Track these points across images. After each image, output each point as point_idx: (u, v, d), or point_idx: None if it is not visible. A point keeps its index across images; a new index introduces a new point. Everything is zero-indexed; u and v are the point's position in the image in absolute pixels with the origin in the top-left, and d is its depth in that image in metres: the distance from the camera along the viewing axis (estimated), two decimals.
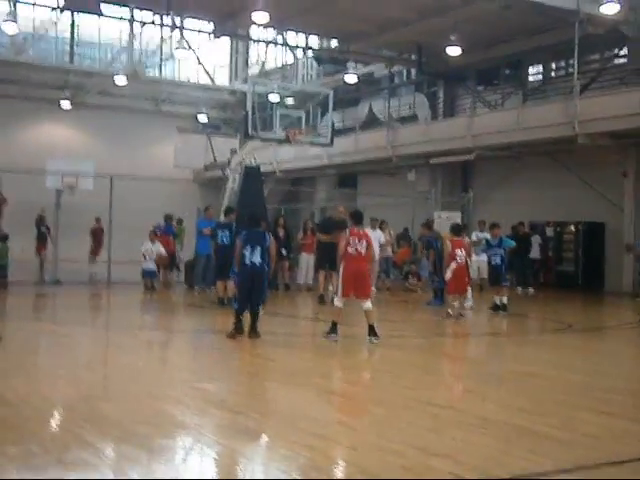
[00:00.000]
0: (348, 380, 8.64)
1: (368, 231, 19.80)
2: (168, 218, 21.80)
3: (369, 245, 10.86)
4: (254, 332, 10.80)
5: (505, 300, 15.60)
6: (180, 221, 22.36)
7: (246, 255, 10.80)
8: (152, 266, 19.88)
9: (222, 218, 18.02)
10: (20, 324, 13.06)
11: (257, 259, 10.81)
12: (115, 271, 21.49)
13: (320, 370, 9.37)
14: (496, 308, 15.61)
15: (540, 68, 27.29)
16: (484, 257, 17.08)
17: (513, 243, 16.52)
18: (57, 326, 12.99)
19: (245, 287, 10.97)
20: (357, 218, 11.27)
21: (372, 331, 10.69)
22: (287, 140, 19.86)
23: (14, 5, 27.42)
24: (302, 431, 5.88)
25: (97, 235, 25.98)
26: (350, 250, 10.76)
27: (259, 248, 10.83)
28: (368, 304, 10.80)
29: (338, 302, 10.90)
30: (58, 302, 17.76)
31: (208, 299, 17.08)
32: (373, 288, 20.23)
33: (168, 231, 21.33)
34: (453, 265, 14.33)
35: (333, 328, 10.75)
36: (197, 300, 17.47)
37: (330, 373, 9.32)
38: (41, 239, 25.81)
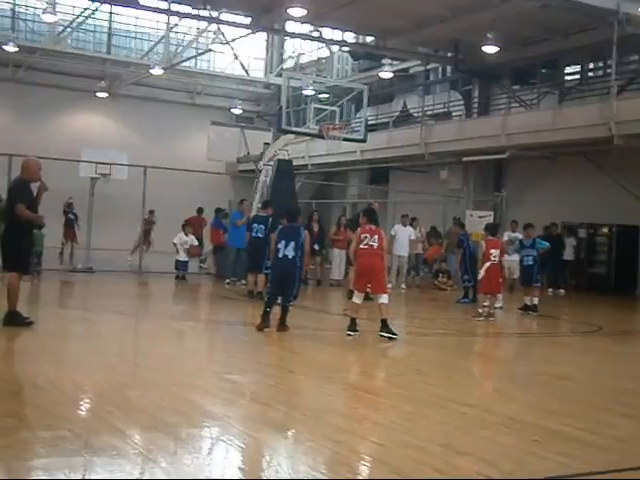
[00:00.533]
0: (375, 376, 8.66)
1: (399, 227, 20.12)
2: (218, 211, 21.89)
3: (381, 239, 10.84)
4: (283, 325, 10.88)
5: (536, 301, 15.53)
6: (225, 215, 22.43)
7: (280, 249, 10.91)
8: (185, 257, 20.06)
9: (254, 211, 18.17)
10: (52, 310, 13.27)
11: (290, 253, 10.91)
12: (148, 261, 21.68)
13: (347, 365, 9.42)
14: (526, 309, 15.55)
15: (577, 68, 27.02)
16: (515, 257, 17.02)
17: (547, 245, 16.40)
18: (88, 313, 13.14)
19: (277, 280, 11.07)
20: (371, 216, 11.23)
21: (384, 326, 10.65)
22: (321, 135, 19.85)
23: None
24: (329, 425, 5.91)
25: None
26: (362, 246, 10.82)
27: (293, 243, 10.93)
28: (383, 298, 10.78)
29: (356, 298, 10.91)
30: (90, 290, 17.95)
31: (238, 291, 17.18)
32: (403, 283, 20.30)
33: (218, 225, 21.38)
34: (487, 264, 14.26)
35: (352, 324, 10.79)
36: (227, 292, 17.56)
37: (357, 368, 9.35)
38: (69, 226, 25.99)
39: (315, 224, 20.15)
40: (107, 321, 12.06)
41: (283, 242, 10.95)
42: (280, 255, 10.94)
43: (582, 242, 23.45)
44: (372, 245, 10.75)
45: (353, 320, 10.80)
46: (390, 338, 10.55)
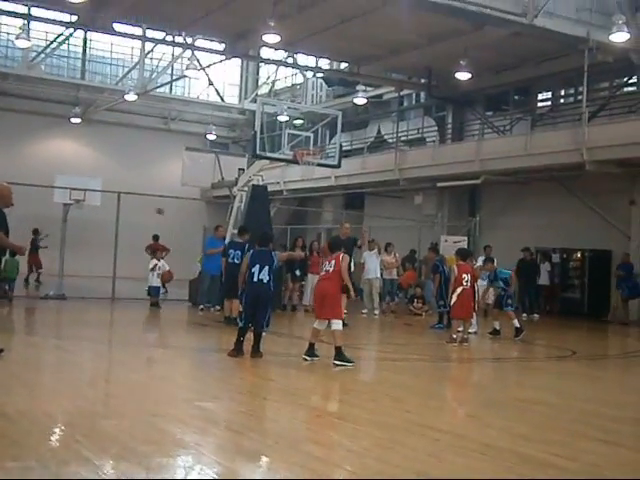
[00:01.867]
0: (349, 402, 8.59)
1: (366, 254, 20.14)
2: None
3: (337, 263, 10.82)
4: (256, 352, 10.80)
5: (517, 323, 15.57)
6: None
7: (255, 273, 10.87)
8: (157, 283, 19.90)
9: (229, 237, 18.14)
10: (23, 338, 13.09)
11: (265, 277, 10.89)
12: (120, 287, 21.49)
13: (321, 391, 9.36)
14: (494, 332, 15.72)
15: (549, 95, 27.37)
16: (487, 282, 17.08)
17: (508, 272, 16.29)
18: (60, 341, 12.98)
19: (250, 304, 11.00)
20: (332, 247, 11.41)
21: (338, 354, 10.54)
22: (295, 160, 19.88)
23: (27, 20, 27.61)
24: (302, 453, 5.85)
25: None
26: (321, 272, 11.13)
27: (267, 267, 10.91)
28: (335, 325, 10.69)
29: (316, 324, 10.88)
30: (62, 317, 17.76)
31: (212, 318, 17.08)
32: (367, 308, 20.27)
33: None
34: (459, 290, 14.28)
35: (309, 349, 10.79)
36: (200, 318, 17.45)
37: (331, 395, 9.30)
38: (34, 252, 25.78)
39: (298, 250, 20.11)
40: (79, 349, 11.91)
41: (257, 266, 10.92)
42: (255, 279, 10.89)
43: (556, 267, 23.58)
44: (328, 270, 10.85)
45: (311, 345, 10.79)
46: (344, 366, 10.44)
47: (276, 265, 11.21)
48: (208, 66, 31.38)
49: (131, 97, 30.71)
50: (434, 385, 10.32)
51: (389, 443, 6.34)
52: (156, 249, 22.01)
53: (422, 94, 30.62)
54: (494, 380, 11.36)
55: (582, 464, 5.89)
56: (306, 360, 10.69)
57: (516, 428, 7.16)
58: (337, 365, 10.44)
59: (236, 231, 17.30)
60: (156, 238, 24.69)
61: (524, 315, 21.06)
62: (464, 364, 13.04)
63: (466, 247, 20.59)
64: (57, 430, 6.44)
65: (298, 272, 20.04)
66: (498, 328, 15.73)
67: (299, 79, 36.55)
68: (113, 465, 5.32)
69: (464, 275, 14.30)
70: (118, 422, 6.64)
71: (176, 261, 21.70)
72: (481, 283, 16.75)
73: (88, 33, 34.66)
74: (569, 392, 9.85)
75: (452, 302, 14.56)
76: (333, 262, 10.85)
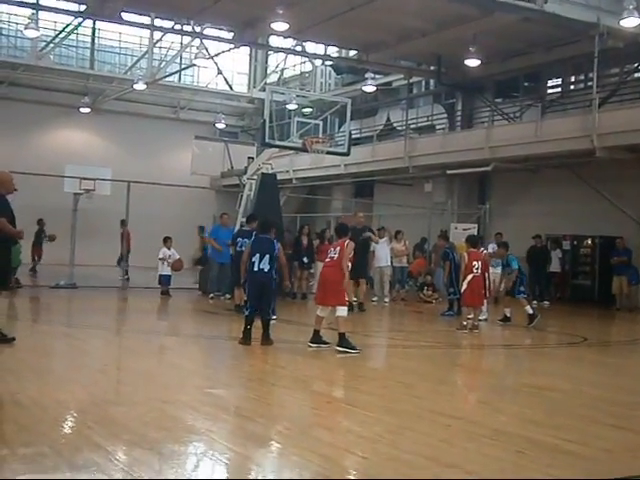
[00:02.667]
0: (359, 389, 8.60)
1: (377, 239, 20.08)
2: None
3: (342, 250, 10.79)
4: (266, 339, 10.82)
5: (530, 310, 15.49)
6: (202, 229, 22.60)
7: (255, 262, 10.87)
8: (168, 272, 19.93)
9: (239, 225, 18.16)
10: (34, 326, 13.16)
11: (266, 266, 10.88)
12: (131, 276, 21.55)
13: (331, 378, 9.38)
14: (505, 319, 15.68)
15: (559, 81, 27.20)
16: (499, 270, 17.02)
17: (516, 266, 16.13)
18: (71, 329, 13.03)
19: (255, 294, 11.00)
20: (339, 232, 11.42)
21: (340, 341, 10.54)
22: (304, 148, 19.85)
23: (36, 10, 27.61)
24: (313, 439, 5.86)
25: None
26: (327, 259, 11.05)
27: (268, 256, 10.90)
28: (339, 311, 10.68)
29: (319, 311, 10.88)
30: (73, 306, 17.81)
31: (222, 306, 17.10)
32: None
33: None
34: (469, 277, 14.26)
35: (314, 336, 10.80)
36: (211, 307, 17.48)
37: (341, 381, 9.31)
38: (38, 242, 25.78)
39: (305, 237, 20.15)
40: (90, 337, 11.96)
41: (257, 255, 10.91)
42: (256, 269, 10.89)
43: (566, 254, 23.50)
44: (333, 257, 10.83)
45: (316, 332, 10.80)
46: (347, 353, 10.41)
47: (277, 253, 11.13)
48: (217, 55, 31.24)
49: (140, 86, 30.71)
50: (445, 371, 10.31)
51: (400, 429, 6.34)
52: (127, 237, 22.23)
53: (431, 81, 30.44)
54: (505, 366, 11.36)
55: (594, 449, 5.89)
56: (311, 347, 10.69)
57: (527, 414, 7.16)
58: (340, 352, 10.44)
59: (245, 220, 17.31)
60: (123, 223, 24.08)
61: (534, 302, 21.01)
62: (474, 351, 13.03)
63: (476, 234, 20.47)
64: (68, 417, 6.48)
65: (306, 259, 19.99)
66: (509, 315, 15.70)
67: (308, 67, 36.44)
68: (125, 451, 5.35)
69: (474, 262, 14.28)
70: (129, 409, 6.67)
71: (186, 250, 21.76)
72: (492, 270, 16.72)
73: (97, 22, 34.54)
74: (580, 378, 9.84)
75: (462, 289, 14.55)
76: (338, 249, 10.83)
